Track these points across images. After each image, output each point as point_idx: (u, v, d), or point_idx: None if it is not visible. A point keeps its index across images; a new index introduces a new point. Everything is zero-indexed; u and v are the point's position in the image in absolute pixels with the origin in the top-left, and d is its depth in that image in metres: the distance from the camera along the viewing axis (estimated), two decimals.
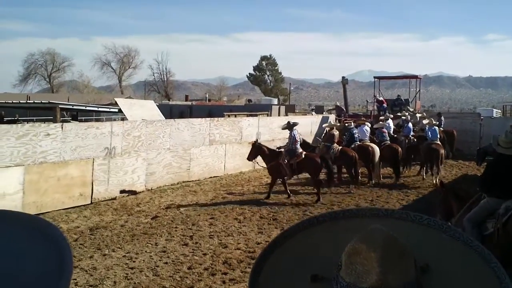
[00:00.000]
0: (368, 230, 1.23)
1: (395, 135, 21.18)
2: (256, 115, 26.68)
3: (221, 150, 19.72)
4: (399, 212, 1.39)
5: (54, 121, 22.70)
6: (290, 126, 15.69)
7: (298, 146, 15.49)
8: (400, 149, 18.88)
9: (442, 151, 18.74)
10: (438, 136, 19.65)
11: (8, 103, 35.95)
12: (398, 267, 1.16)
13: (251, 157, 16.04)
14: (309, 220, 1.42)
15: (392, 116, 24.83)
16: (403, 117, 23.61)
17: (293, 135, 15.48)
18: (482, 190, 7.70)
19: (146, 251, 10.18)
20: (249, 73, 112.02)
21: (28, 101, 37.71)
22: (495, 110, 54.65)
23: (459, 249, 1.29)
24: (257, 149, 15.91)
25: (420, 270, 1.21)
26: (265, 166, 16.06)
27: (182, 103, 54.47)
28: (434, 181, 17.90)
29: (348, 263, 1.19)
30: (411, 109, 30.79)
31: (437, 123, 22.14)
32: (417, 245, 1.28)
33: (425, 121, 22.24)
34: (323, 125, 22.52)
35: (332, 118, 28.84)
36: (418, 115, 26.54)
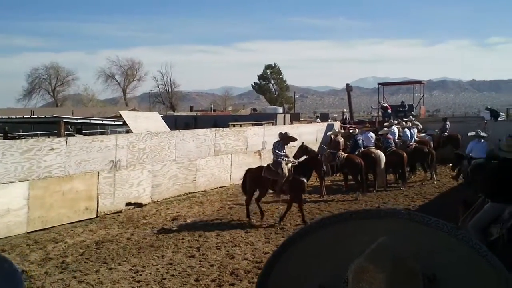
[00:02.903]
0: (377, 247, 1.19)
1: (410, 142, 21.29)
2: (261, 124, 26.69)
3: (227, 160, 19.67)
4: (407, 213, 1.35)
5: (59, 135, 22.73)
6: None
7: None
8: (405, 155, 18.85)
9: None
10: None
11: (12, 118, 36.11)
12: None
13: (297, 156, 16.70)
14: (317, 222, 1.39)
15: (396, 122, 24.77)
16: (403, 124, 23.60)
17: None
18: (486, 195, 7.64)
19: (152, 264, 10.10)
20: (254, 82, 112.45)
21: (32, 116, 37.84)
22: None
23: (468, 255, 1.25)
24: (303, 151, 16.64)
25: (427, 281, 1.18)
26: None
27: (187, 114, 54.59)
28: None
29: (355, 281, 1.15)
30: (413, 115, 30.81)
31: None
32: (424, 249, 1.26)
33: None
34: (328, 133, 22.48)
35: (337, 125, 28.78)
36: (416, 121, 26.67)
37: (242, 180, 14.66)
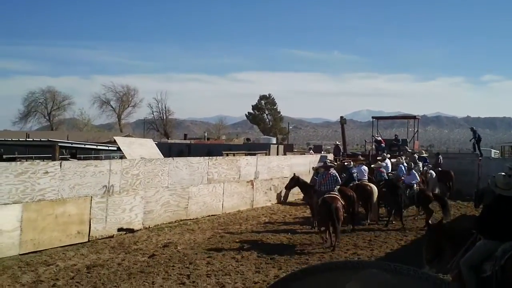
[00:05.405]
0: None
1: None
2: (254, 154, 26.72)
3: (219, 189, 19.74)
4: (383, 264, 1.39)
5: (53, 159, 22.75)
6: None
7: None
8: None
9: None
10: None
11: (7, 140, 36.08)
12: None
13: (289, 187, 18.64)
14: (292, 274, 1.42)
15: (389, 156, 24.90)
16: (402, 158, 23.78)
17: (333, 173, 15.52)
18: (479, 232, 7.66)
19: None
20: (248, 112, 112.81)
21: (27, 139, 37.79)
22: (493, 150, 54.75)
23: None
24: (295, 181, 18.19)
25: None
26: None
27: (181, 142, 54.69)
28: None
29: None
30: (409, 150, 30.96)
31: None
32: None
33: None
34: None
35: (330, 157, 28.88)
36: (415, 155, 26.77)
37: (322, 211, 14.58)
